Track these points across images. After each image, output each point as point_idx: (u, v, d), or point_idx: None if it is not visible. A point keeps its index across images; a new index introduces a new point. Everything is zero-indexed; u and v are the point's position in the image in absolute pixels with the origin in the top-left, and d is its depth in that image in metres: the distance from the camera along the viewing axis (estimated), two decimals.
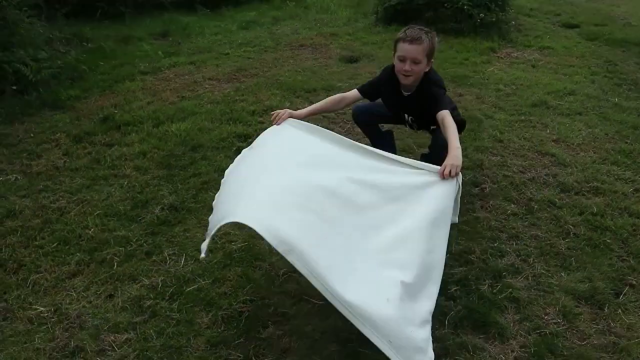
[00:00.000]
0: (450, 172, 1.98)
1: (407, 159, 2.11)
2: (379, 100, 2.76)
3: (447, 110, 2.37)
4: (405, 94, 2.59)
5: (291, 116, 2.38)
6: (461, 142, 3.32)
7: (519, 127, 3.67)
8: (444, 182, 1.98)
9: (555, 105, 4.02)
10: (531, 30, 6.20)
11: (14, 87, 4.27)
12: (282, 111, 2.40)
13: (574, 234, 2.57)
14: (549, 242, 2.52)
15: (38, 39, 4.79)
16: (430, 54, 2.46)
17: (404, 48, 2.42)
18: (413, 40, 2.40)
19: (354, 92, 2.70)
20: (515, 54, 5.34)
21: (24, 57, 4.35)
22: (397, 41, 2.48)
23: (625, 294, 2.19)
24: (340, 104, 2.71)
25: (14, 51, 4.34)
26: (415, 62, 2.42)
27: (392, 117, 2.82)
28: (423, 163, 2.09)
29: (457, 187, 2.02)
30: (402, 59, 2.44)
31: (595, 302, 2.15)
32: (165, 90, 4.45)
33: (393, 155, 2.14)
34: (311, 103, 4.00)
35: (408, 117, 2.72)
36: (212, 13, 7.26)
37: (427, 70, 2.51)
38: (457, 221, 2.11)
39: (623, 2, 7.83)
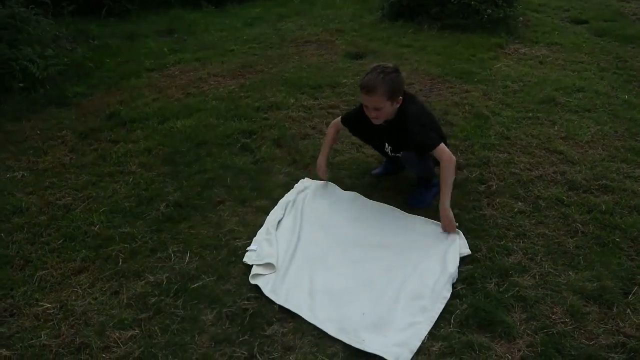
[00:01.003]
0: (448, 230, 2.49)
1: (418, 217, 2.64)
2: None
3: (441, 146, 2.51)
4: (383, 125, 2.61)
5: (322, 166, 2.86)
6: (468, 139, 3.36)
7: (526, 124, 3.63)
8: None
9: (564, 102, 3.97)
10: (539, 26, 6.12)
11: (21, 85, 4.29)
12: (319, 168, 2.86)
13: (582, 232, 2.54)
14: (556, 240, 2.49)
15: (45, 37, 4.80)
16: (392, 95, 2.45)
17: (363, 98, 2.49)
18: (368, 91, 2.43)
19: (338, 120, 2.87)
20: (523, 50, 5.28)
21: (31, 55, 4.37)
22: (360, 86, 2.51)
23: (634, 294, 2.16)
24: (338, 132, 2.95)
25: (21, 48, 4.36)
26: (376, 108, 2.47)
27: (374, 145, 2.94)
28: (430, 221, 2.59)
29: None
30: (366, 106, 2.52)
31: (603, 302, 2.12)
32: (170, 87, 4.45)
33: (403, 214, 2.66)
34: (316, 99, 4.04)
35: (388, 146, 2.75)
36: (218, 10, 7.25)
37: (397, 106, 2.52)
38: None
39: None
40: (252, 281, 2.24)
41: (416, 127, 2.53)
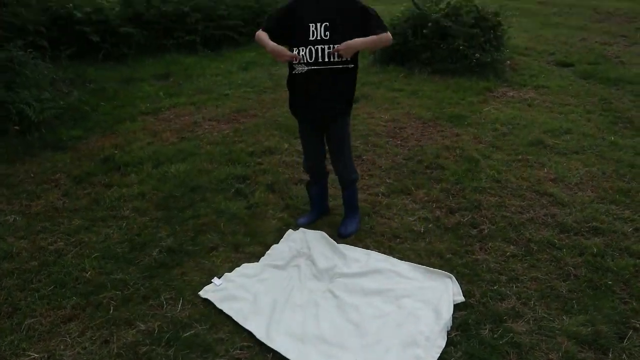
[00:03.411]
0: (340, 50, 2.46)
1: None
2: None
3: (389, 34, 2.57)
4: None
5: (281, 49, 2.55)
6: (459, 183, 3.40)
7: (516, 166, 3.68)
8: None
9: (552, 144, 4.04)
10: (526, 69, 6.29)
11: (17, 127, 4.31)
12: (280, 52, 2.54)
13: (575, 275, 2.55)
14: (549, 284, 2.49)
15: (42, 80, 4.86)
16: None
17: None
18: None
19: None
20: (511, 93, 5.40)
21: (27, 98, 4.41)
22: None
23: (629, 338, 2.16)
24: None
25: (19, 92, 4.41)
26: None
27: (299, 36, 2.58)
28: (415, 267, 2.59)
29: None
30: None
31: (598, 347, 2.12)
32: (165, 131, 4.49)
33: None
34: None
35: (321, 26, 2.53)
36: (213, 54, 7.39)
37: None
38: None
39: (615, 41, 7.97)
40: (203, 295, 2.43)
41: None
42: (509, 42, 6.64)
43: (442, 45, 5.96)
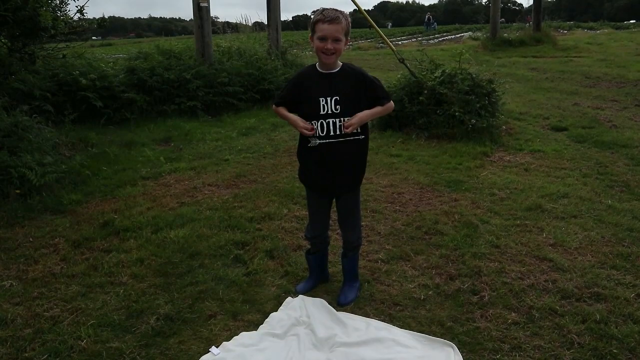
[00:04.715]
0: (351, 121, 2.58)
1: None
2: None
3: (391, 102, 2.74)
4: (331, 71, 2.65)
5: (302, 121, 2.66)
6: (458, 249, 3.40)
7: (515, 231, 3.69)
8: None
9: (550, 209, 4.06)
10: (522, 134, 6.42)
11: (18, 191, 4.34)
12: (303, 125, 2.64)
13: (578, 343, 2.50)
14: (553, 352, 2.44)
15: (45, 144, 4.93)
16: (347, 33, 2.61)
17: (324, 28, 2.55)
18: (332, 21, 2.53)
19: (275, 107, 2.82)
20: (508, 158, 5.49)
21: (30, 162, 4.46)
22: (315, 23, 2.59)
23: None
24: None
25: (21, 156, 4.47)
26: (336, 39, 2.55)
27: (310, 110, 2.66)
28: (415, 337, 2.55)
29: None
30: (323, 38, 2.56)
31: None
32: (165, 196, 4.52)
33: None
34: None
35: (331, 100, 2.61)
36: (214, 119, 7.56)
37: (345, 48, 2.65)
38: None
39: (607, 105, 8.17)
40: None
41: (366, 72, 2.70)
42: (504, 107, 6.80)
43: (438, 112, 6.11)
